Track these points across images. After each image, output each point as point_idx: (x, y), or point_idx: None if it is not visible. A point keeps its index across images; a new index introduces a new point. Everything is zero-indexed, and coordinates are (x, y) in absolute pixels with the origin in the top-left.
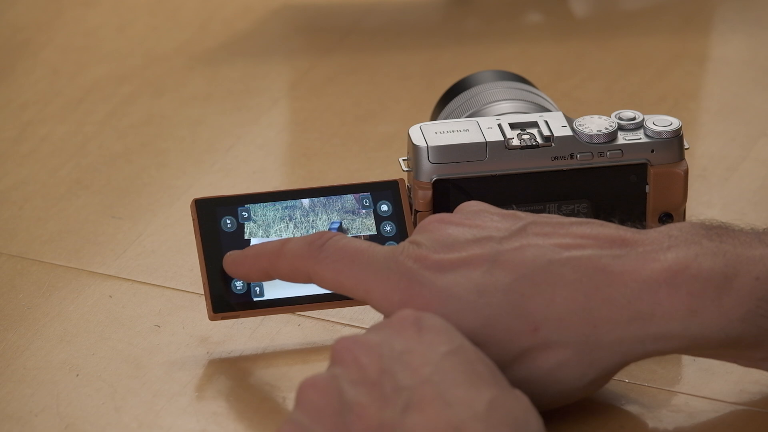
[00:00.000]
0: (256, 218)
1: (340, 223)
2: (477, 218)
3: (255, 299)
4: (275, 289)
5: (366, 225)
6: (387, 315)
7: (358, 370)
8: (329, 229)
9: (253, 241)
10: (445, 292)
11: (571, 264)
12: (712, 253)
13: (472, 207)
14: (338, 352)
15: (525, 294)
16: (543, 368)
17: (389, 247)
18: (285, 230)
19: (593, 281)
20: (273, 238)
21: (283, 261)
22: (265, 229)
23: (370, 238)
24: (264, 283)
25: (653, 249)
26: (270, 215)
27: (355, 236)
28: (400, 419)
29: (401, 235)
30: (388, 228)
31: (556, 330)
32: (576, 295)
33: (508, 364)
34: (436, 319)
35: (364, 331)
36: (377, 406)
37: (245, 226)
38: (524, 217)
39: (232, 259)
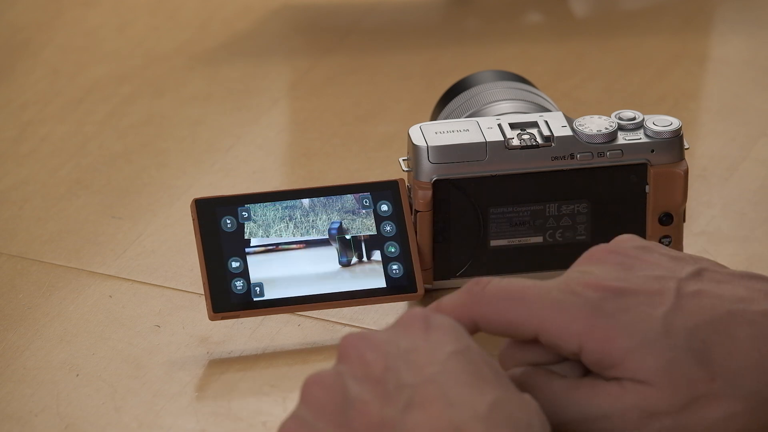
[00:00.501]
0: (256, 218)
1: (340, 222)
2: (647, 253)
3: (255, 299)
4: (275, 289)
5: (366, 225)
6: (566, 351)
7: (363, 367)
8: (329, 229)
9: (253, 242)
10: (629, 327)
11: (749, 317)
12: None
13: (636, 242)
14: (344, 348)
15: (706, 342)
16: (711, 418)
17: (559, 279)
18: (285, 230)
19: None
20: (273, 237)
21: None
22: (265, 229)
23: (371, 238)
24: (264, 282)
25: None
26: (270, 215)
27: (355, 236)
28: (401, 417)
29: (401, 235)
30: (388, 228)
31: (731, 382)
32: (753, 349)
33: (676, 410)
34: (445, 319)
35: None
36: (379, 404)
37: (245, 225)
38: (695, 259)
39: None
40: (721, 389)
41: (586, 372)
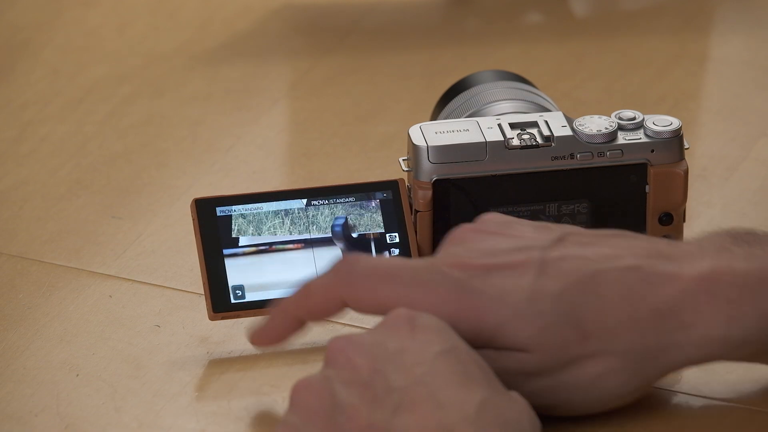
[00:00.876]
0: (252, 218)
1: (346, 218)
2: (511, 228)
3: (254, 299)
4: (275, 290)
5: (375, 221)
6: None
7: (351, 371)
8: (333, 225)
9: (243, 240)
10: (498, 301)
11: (616, 274)
12: (744, 258)
13: (499, 218)
14: (332, 352)
15: (575, 303)
16: (589, 376)
17: (426, 259)
18: (280, 227)
19: (638, 292)
20: (266, 237)
21: (312, 300)
22: (258, 227)
23: (380, 235)
24: (264, 283)
25: (688, 259)
26: (266, 214)
27: (363, 234)
28: (390, 421)
29: (401, 235)
30: None
31: (605, 339)
32: (623, 305)
33: (555, 371)
34: (431, 319)
35: (359, 330)
36: (368, 408)
37: (242, 225)
38: (559, 227)
39: (256, 333)
40: (596, 347)
41: None
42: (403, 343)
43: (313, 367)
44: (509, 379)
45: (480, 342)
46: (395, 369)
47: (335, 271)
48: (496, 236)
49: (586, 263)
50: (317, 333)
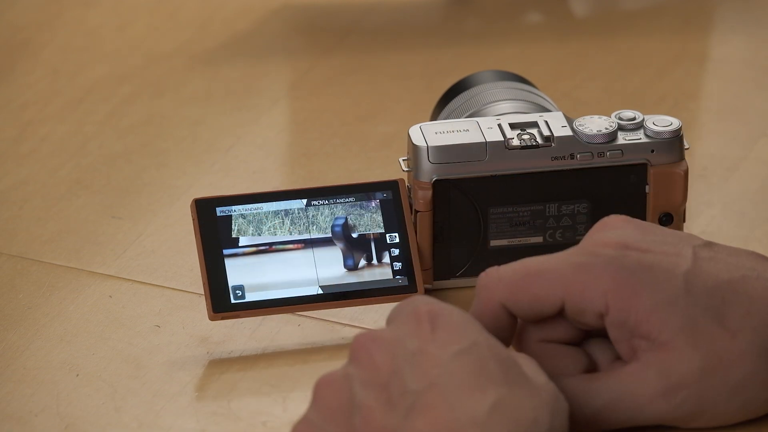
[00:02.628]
0: (252, 218)
1: (346, 218)
2: (653, 226)
3: (254, 299)
4: (275, 290)
5: (375, 221)
6: (592, 314)
7: (371, 371)
8: (333, 225)
9: (243, 240)
10: (654, 284)
11: (764, 282)
12: None
13: (634, 220)
14: (355, 350)
15: (725, 300)
16: (734, 379)
17: (575, 246)
18: (280, 228)
19: None
20: (266, 237)
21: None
22: (257, 227)
23: (380, 236)
24: (264, 283)
25: None
26: (265, 214)
27: (363, 234)
28: (403, 424)
29: (401, 235)
30: None
31: (752, 340)
32: (767, 309)
33: (701, 375)
34: (452, 314)
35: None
36: (383, 410)
37: (241, 225)
38: (695, 236)
39: None
40: (742, 347)
41: (606, 354)
42: (422, 342)
43: (313, 368)
44: (652, 392)
45: (628, 327)
46: (412, 370)
47: (483, 287)
48: (646, 227)
49: (735, 267)
50: (317, 333)
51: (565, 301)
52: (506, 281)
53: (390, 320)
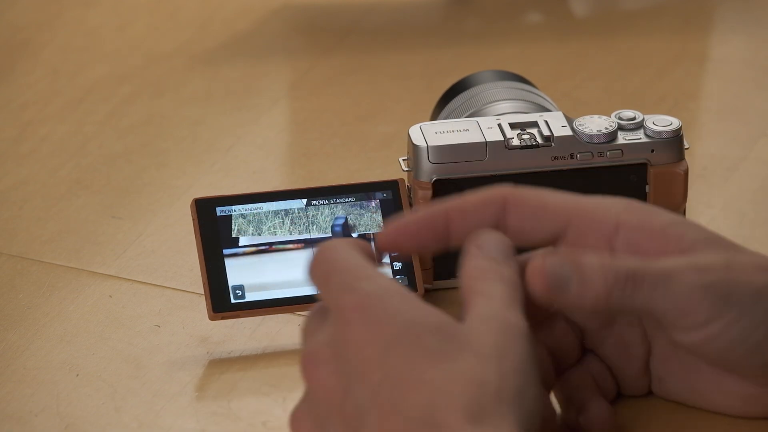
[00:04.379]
0: (252, 218)
1: (346, 218)
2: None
3: (254, 299)
4: (275, 290)
5: (375, 221)
6: (601, 234)
7: (327, 400)
8: (333, 225)
9: (243, 240)
10: (664, 210)
11: None
12: None
13: None
14: (305, 373)
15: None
16: (759, 282)
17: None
18: (280, 227)
19: None
20: (266, 237)
21: (470, 198)
22: (257, 227)
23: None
24: (264, 283)
25: None
26: (270, 215)
27: (363, 234)
28: None
29: None
30: None
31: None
32: None
33: (725, 265)
34: (373, 304)
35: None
36: None
37: (241, 225)
38: None
39: (387, 231)
40: (762, 262)
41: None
42: (359, 346)
43: None
44: (687, 277)
45: (643, 241)
46: (358, 383)
47: (496, 187)
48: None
49: None
50: None
51: (571, 219)
52: (514, 187)
53: (308, 330)
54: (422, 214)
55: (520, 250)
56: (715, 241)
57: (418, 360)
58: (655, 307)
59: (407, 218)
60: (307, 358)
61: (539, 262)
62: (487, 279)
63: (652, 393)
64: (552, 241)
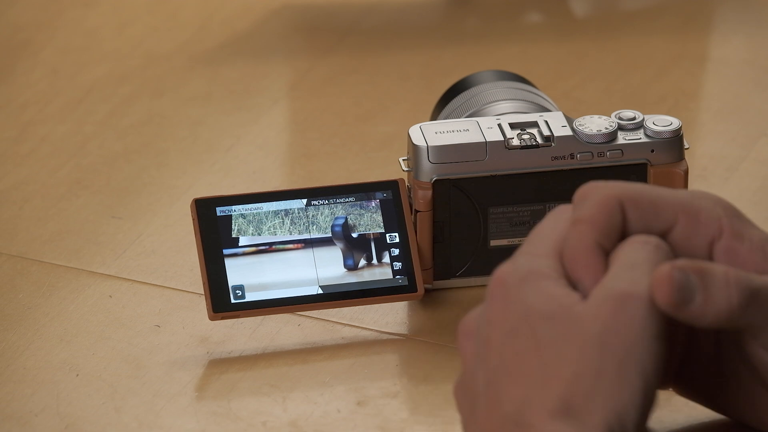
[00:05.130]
0: (252, 218)
1: (346, 218)
2: None
3: (254, 299)
4: (275, 290)
5: (375, 221)
6: (703, 236)
7: (466, 374)
8: (333, 225)
9: (243, 240)
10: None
11: None
12: None
13: None
14: (457, 346)
15: None
16: None
17: None
18: (280, 227)
19: None
20: (266, 237)
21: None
22: (257, 227)
23: (380, 236)
24: (264, 283)
25: None
26: (270, 215)
27: (363, 234)
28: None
29: (401, 235)
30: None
31: None
32: None
33: None
34: (512, 283)
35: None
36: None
37: (241, 225)
38: None
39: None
40: None
41: None
42: (490, 325)
43: (313, 368)
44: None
45: (729, 257)
46: (482, 364)
47: (597, 186)
48: None
49: None
50: (317, 333)
51: (679, 219)
52: (624, 185)
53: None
54: (583, 248)
55: None
56: None
57: (528, 350)
58: (766, 326)
59: (576, 252)
60: (461, 326)
61: (667, 270)
62: (636, 244)
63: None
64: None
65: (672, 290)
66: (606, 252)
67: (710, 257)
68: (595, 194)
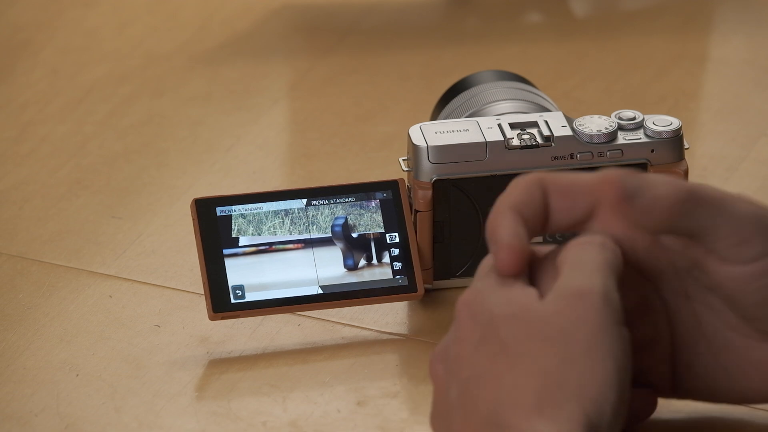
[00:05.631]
0: (252, 218)
1: (346, 218)
2: None
3: (254, 299)
4: (275, 290)
5: (375, 221)
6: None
7: (437, 396)
8: (333, 225)
9: (243, 240)
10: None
11: None
12: None
13: None
14: (429, 373)
15: None
16: None
17: None
18: (280, 227)
19: None
20: (266, 237)
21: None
22: (257, 227)
23: (380, 236)
24: (264, 283)
25: None
26: (270, 215)
27: (363, 234)
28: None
29: (401, 235)
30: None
31: None
32: None
33: None
34: (476, 300)
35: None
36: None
37: (241, 225)
38: None
39: (502, 255)
40: None
41: None
42: (459, 341)
43: (313, 367)
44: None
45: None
46: (453, 379)
47: (525, 175)
48: None
49: None
50: (317, 333)
51: (600, 198)
52: (545, 173)
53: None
54: (498, 212)
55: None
56: None
57: (495, 356)
58: (713, 229)
59: (510, 243)
60: (431, 356)
61: (613, 171)
62: (581, 245)
63: (675, 394)
64: (585, 222)
65: (619, 185)
66: (524, 221)
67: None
68: (515, 182)
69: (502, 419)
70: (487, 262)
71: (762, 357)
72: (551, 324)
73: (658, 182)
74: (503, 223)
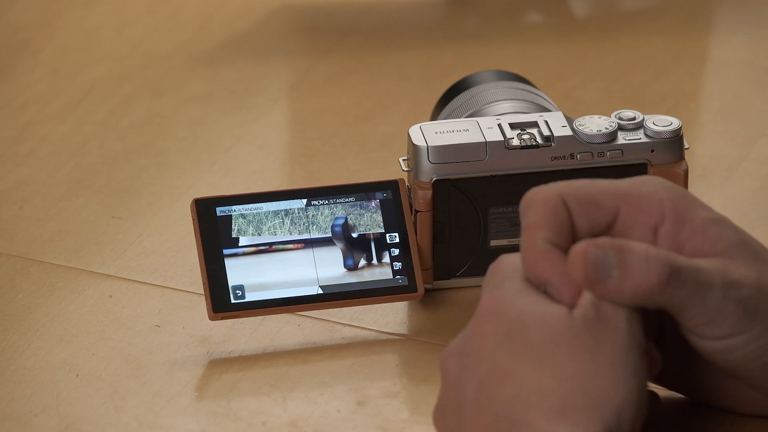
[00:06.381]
0: (252, 218)
1: (346, 218)
2: None
3: (254, 299)
4: (275, 290)
5: (375, 221)
6: (645, 225)
7: (447, 389)
8: (333, 225)
9: (243, 240)
10: (706, 205)
11: None
12: None
13: None
14: (440, 368)
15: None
16: None
17: None
18: (280, 227)
19: None
20: (266, 237)
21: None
22: (257, 227)
23: (380, 236)
24: (264, 283)
25: None
26: (270, 215)
27: (363, 234)
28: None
29: (401, 235)
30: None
31: None
32: None
33: (756, 278)
34: (505, 301)
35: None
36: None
37: (241, 225)
38: None
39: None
40: None
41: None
42: (480, 336)
43: (313, 367)
44: (714, 288)
45: (684, 236)
46: (469, 373)
47: (539, 188)
48: None
49: None
50: (317, 333)
51: (621, 209)
52: (563, 184)
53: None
54: (539, 251)
55: None
56: (747, 246)
57: (520, 355)
58: (688, 310)
59: (545, 248)
60: (444, 352)
61: (582, 247)
62: None
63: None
64: (605, 231)
65: (586, 266)
66: (561, 249)
67: (655, 243)
68: (537, 198)
69: (521, 417)
70: (510, 264)
71: (734, 390)
72: (580, 337)
73: (632, 259)
74: (538, 230)
